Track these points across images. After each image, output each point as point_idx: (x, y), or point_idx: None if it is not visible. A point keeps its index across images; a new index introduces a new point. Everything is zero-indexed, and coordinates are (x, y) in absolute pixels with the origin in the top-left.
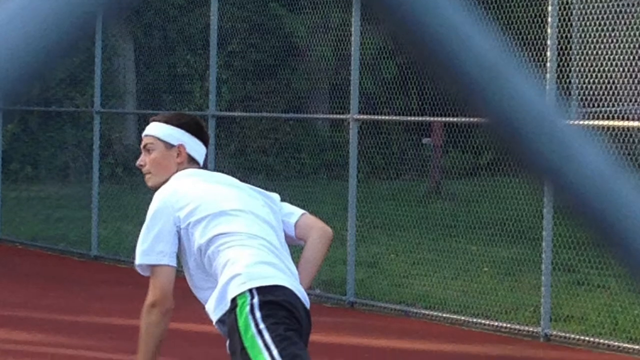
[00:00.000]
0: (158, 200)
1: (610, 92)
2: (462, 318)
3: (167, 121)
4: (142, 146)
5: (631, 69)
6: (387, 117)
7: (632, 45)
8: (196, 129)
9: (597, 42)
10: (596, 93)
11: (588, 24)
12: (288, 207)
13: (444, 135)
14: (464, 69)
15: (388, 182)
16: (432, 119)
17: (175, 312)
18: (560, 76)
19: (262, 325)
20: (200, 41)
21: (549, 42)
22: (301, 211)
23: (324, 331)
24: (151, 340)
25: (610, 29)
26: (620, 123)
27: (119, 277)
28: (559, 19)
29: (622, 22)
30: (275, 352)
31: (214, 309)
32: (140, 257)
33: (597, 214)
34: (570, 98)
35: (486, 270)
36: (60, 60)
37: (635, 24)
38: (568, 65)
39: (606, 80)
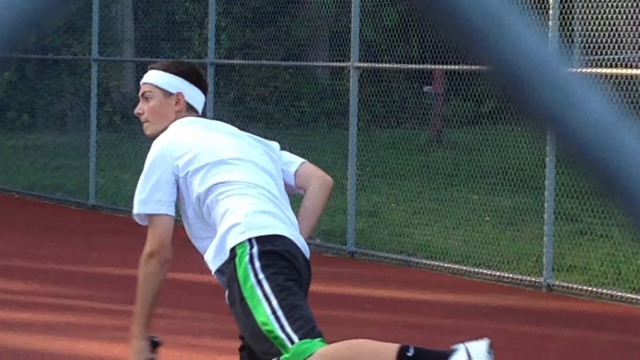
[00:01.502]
0: (156, 148)
1: (613, 40)
2: (464, 268)
3: (166, 69)
4: (140, 94)
5: (634, 16)
6: (387, 65)
7: None
8: (195, 77)
9: None
10: (599, 40)
11: None
12: (288, 155)
13: (446, 83)
14: (466, 16)
15: (389, 131)
16: (433, 66)
17: (173, 262)
18: (563, 23)
19: (261, 275)
20: None
21: None
22: (301, 160)
23: (324, 281)
24: (149, 290)
25: None
26: (623, 71)
27: (117, 227)
28: None
29: None
30: (274, 303)
31: (213, 258)
32: (138, 207)
33: (599, 163)
34: (572, 45)
35: (488, 219)
36: (57, 7)
37: None
38: (570, 12)
39: (609, 28)
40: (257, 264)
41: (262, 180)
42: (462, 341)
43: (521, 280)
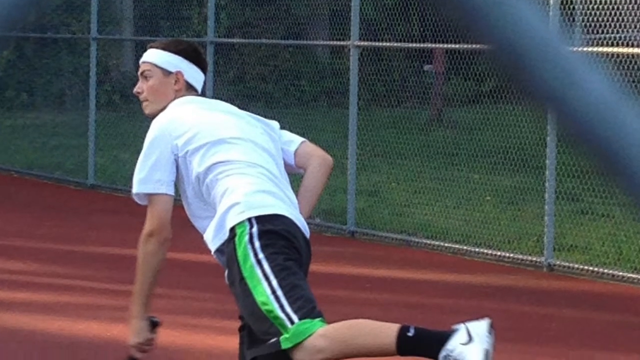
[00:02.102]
0: (155, 128)
1: (615, 18)
2: (464, 248)
3: (165, 48)
4: (139, 73)
5: None
6: (388, 44)
7: None
8: (194, 56)
9: None
10: (600, 19)
11: None
12: (287, 135)
13: (446, 62)
14: None
15: (389, 110)
16: (434, 45)
17: (173, 242)
18: (564, 2)
19: (261, 255)
20: None
21: None
22: (301, 139)
23: (324, 261)
24: (148, 270)
25: None
26: (625, 50)
27: (116, 206)
28: None
29: None
30: (274, 282)
31: (213, 238)
32: (138, 186)
33: (600, 142)
34: (573, 24)
35: (489, 199)
36: None
37: None
38: None
39: (610, 6)
40: (257, 244)
41: (261, 159)
42: (463, 321)
43: (522, 260)
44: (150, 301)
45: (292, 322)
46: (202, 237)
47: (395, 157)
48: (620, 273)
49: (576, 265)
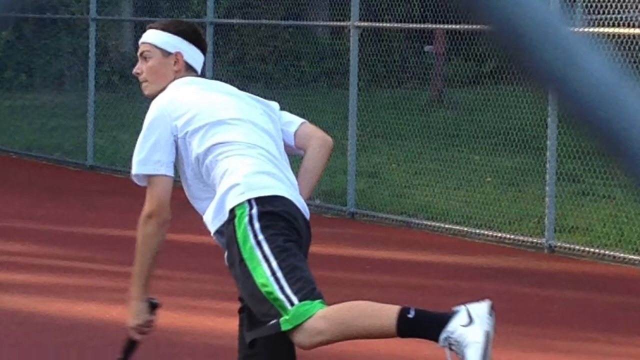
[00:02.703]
0: (155, 109)
1: None
2: (465, 229)
3: (165, 28)
4: (138, 54)
5: None
6: (388, 25)
7: None
8: (194, 37)
9: None
10: (601, 0)
11: None
12: (287, 116)
13: (447, 42)
14: None
15: (389, 90)
16: (434, 26)
17: (172, 223)
18: None
19: (261, 237)
20: None
21: None
22: (301, 120)
23: (324, 242)
24: (148, 252)
25: None
26: (626, 30)
27: (115, 187)
28: None
29: None
30: (274, 264)
31: (212, 219)
32: (137, 167)
33: (601, 123)
34: (574, 4)
35: (489, 180)
36: None
37: None
38: None
39: None
40: (257, 225)
41: (261, 140)
42: (463, 303)
43: (523, 241)
44: (150, 283)
45: (292, 304)
46: (201, 218)
47: (395, 138)
48: (622, 254)
49: (577, 247)
